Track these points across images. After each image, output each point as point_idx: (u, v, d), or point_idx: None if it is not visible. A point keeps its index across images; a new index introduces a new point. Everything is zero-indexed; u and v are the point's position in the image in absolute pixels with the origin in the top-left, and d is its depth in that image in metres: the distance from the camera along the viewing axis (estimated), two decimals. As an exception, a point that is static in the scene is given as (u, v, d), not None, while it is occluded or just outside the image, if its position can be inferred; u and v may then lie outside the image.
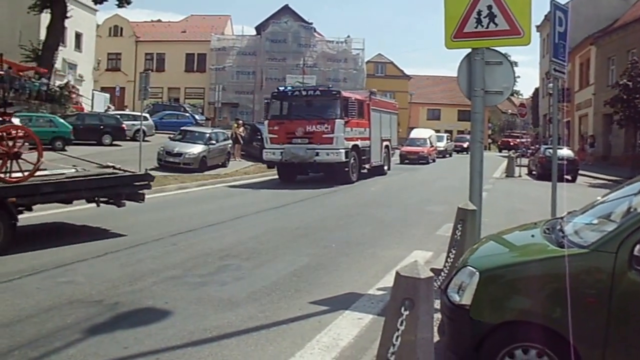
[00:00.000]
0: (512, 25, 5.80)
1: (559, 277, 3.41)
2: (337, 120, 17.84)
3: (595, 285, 3.44)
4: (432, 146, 34.41)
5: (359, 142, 19.36)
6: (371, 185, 18.59)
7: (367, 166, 20.54)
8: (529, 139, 37.11)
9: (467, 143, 48.53)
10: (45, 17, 32.99)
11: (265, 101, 19.59)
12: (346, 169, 18.41)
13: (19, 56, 31.99)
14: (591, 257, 3.47)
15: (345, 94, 19.08)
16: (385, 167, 23.16)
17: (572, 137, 40.22)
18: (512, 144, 53.17)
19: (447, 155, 41.31)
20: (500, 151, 51.80)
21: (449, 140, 43.84)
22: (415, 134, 37.51)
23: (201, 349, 4.51)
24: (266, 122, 19.36)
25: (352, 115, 18.29)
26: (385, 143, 22.99)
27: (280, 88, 20.22)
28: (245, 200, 14.70)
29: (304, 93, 19.11)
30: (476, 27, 5.95)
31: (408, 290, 3.06)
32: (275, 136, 18.50)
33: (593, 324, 3.39)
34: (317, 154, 17.81)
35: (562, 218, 4.58)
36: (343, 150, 17.90)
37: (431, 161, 32.98)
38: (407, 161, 31.60)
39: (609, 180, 22.96)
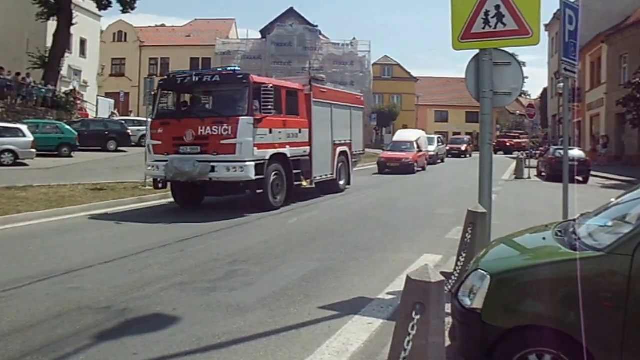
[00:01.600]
0: (520, 25, 5.74)
1: (573, 281, 3.35)
2: (241, 118, 12.03)
3: (610, 288, 3.38)
4: (419, 151, 28.09)
5: (287, 150, 13.57)
6: (295, 215, 12.39)
7: (305, 183, 14.74)
8: (527, 140, 35.90)
9: (465, 145, 45.03)
10: (52, 25, 33.32)
11: (152, 93, 14.44)
12: (259, 191, 12.48)
13: (27, 63, 32.35)
14: (606, 260, 3.41)
15: (257, 79, 12.85)
16: (342, 182, 16.95)
17: (583, 138, 40.01)
18: (508, 144, 51.23)
19: (439, 161, 35.13)
20: (495, 153, 47.99)
21: (440, 143, 37.55)
22: (399, 136, 31.17)
23: (210, 355, 4.49)
24: (149, 122, 13.87)
25: (268, 110, 12.25)
26: (340, 149, 16.66)
27: (171, 73, 14.45)
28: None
29: (196, 79, 12.84)
30: (484, 28, 5.90)
31: (419, 294, 3.02)
32: (159, 143, 12.85)
33: (609, 328, 3.32)
34: (213, 169, 12.00)
35: (574, 220, 4.51)
36: (251, 163, 12.06)
37: (419, 169, 27.10)
38: (387, 170, 25.62)
39: (622, 180, 22.81)
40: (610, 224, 4.06)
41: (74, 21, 33.13)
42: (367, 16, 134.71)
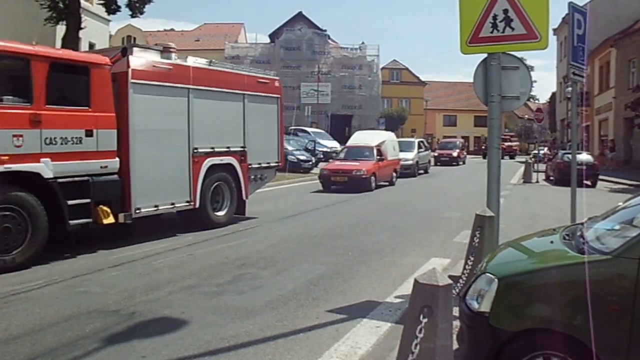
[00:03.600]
0: (528, 29, 5.74)
1: (580, 284, 3.35)
2: None
3: (618, 292, 3.37)
4: (381, 159, 20.35)
5: (41, 165, 7.82)
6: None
7: (110, 219, 8.69)
8: (518, 143, 34.89)
9: (458, 151, 39.07)
10: (61, 29, 33.50)
11: None
12: None
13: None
14: (614, 264, 3.41)
15: None
16: (221, 213, 11.19)
17: (591, 142, 39.81)
18: None
19: (421, 172, 27.61)
20: (484, 157, 36.88)
21: (422, 149, 28.59)
22: (355, 139, 22.62)
23: (218, 359, 4.51)
24: None
25: None
26: (212, 161, 10.76)
27: None
28: None
29: None
30: (492, 32, 5.90)
31: (426, 297, 3.03)
32: None
33: (616, 332, 3.31)
34: None
35: (582, 224, 4.51)
36: None
37: (385, 183, 20.76)
38: (334, 187, 18.69)
39: (630, 185, 22.71)
40: (617, 227, 4.05)
41: (82, 25, 33.29)
42: (376, 20, 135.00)
